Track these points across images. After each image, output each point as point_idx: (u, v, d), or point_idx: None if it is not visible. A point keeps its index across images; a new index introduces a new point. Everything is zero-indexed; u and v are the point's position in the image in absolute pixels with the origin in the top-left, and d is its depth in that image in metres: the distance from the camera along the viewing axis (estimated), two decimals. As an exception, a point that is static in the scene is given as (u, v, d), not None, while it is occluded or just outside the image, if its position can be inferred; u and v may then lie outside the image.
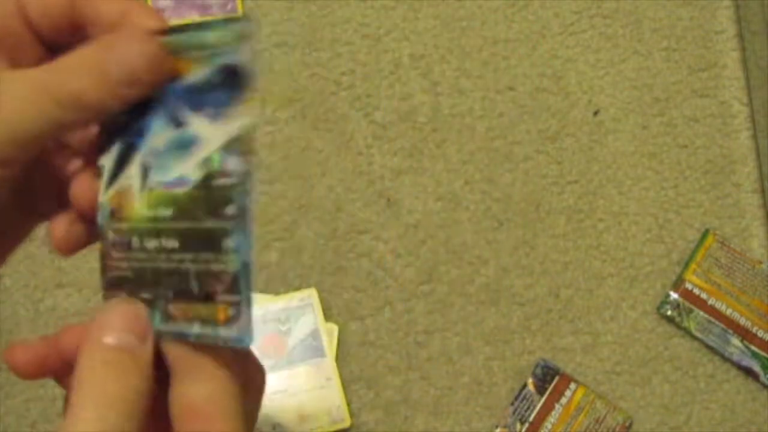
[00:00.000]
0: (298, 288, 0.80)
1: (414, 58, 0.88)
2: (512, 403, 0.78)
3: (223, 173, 0.26)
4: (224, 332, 0.26)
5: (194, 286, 0.27)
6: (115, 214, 0.28)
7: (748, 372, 0.80)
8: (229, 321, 0.26)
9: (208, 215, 0.26)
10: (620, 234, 0.84)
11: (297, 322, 0.77)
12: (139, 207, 0.28)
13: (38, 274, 0.82)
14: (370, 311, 0.81)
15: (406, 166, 0.85)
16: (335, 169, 0.84)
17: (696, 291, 0.81)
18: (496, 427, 0.78)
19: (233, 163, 0.26)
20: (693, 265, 0.82)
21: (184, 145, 0.27)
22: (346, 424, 0.76)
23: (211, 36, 0.26)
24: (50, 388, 0.79)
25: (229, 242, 0.25)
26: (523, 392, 0.79)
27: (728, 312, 0.81)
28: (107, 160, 0.28)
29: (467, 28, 0.89)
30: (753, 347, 0.80)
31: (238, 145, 0.26)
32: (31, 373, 0.28)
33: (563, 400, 0.78)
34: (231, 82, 0.26)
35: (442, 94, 0.87)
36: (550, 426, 0.77)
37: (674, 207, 0.85)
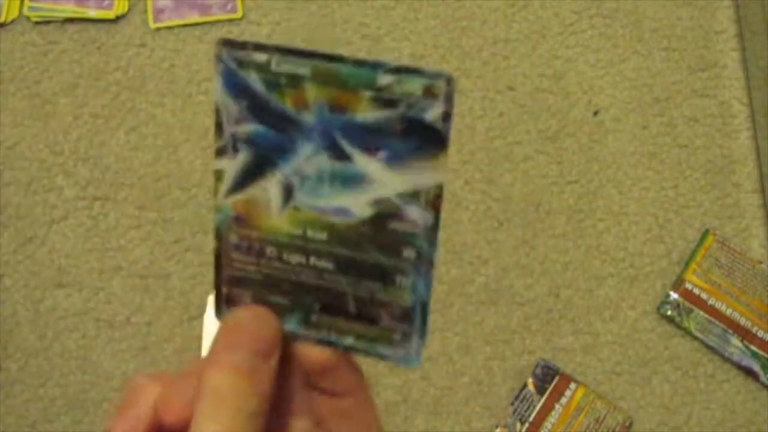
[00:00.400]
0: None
1: (414, 58, 0.88)
2: (512, 403, 0.78)
3: (401, 218, 0.27)
4: (388, 351, 0.29)
5: (351, 306, 0.29)
6: (241, 220, 0.29)
7: (748, 372, 0.80)
8: (395, 343, 0.29)
9: (378, 251, 0.28)
10: (620, 234, 0.84)
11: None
12: (278, 221, 0.29)
13: (38, 274, 0.82)
14: (370, 311, 0.81)
15: (406, 166, 0.85)
16: (335, 169, 0.84)
17: (696, 291, 0.81)
18: (496, 427, 0.78)
19: (415, 213, 0.27)
20: (693, 265, 0.82)
21: (348, 179, 0.28)
22: (346, 424, 0.76)
23: (386, 78, 0.26)
24: (50, 387, 0.79)
25: (405, 281, 0.28)
26: (523, 392, 0.79)
27: (728, 312, 0.81)
28: (228, 165, 0.29)
29: (467, 28, 0.89)
30: (753, 347, 0.80)
31: (423, 197, 0.27)
32: None
33: (563, 400, 0.78)
34: (415, 135, 0.27)
35: (442, 94, 0.87)
36: (550, 426, 0.77)
37: (674, 207, 0.85)
